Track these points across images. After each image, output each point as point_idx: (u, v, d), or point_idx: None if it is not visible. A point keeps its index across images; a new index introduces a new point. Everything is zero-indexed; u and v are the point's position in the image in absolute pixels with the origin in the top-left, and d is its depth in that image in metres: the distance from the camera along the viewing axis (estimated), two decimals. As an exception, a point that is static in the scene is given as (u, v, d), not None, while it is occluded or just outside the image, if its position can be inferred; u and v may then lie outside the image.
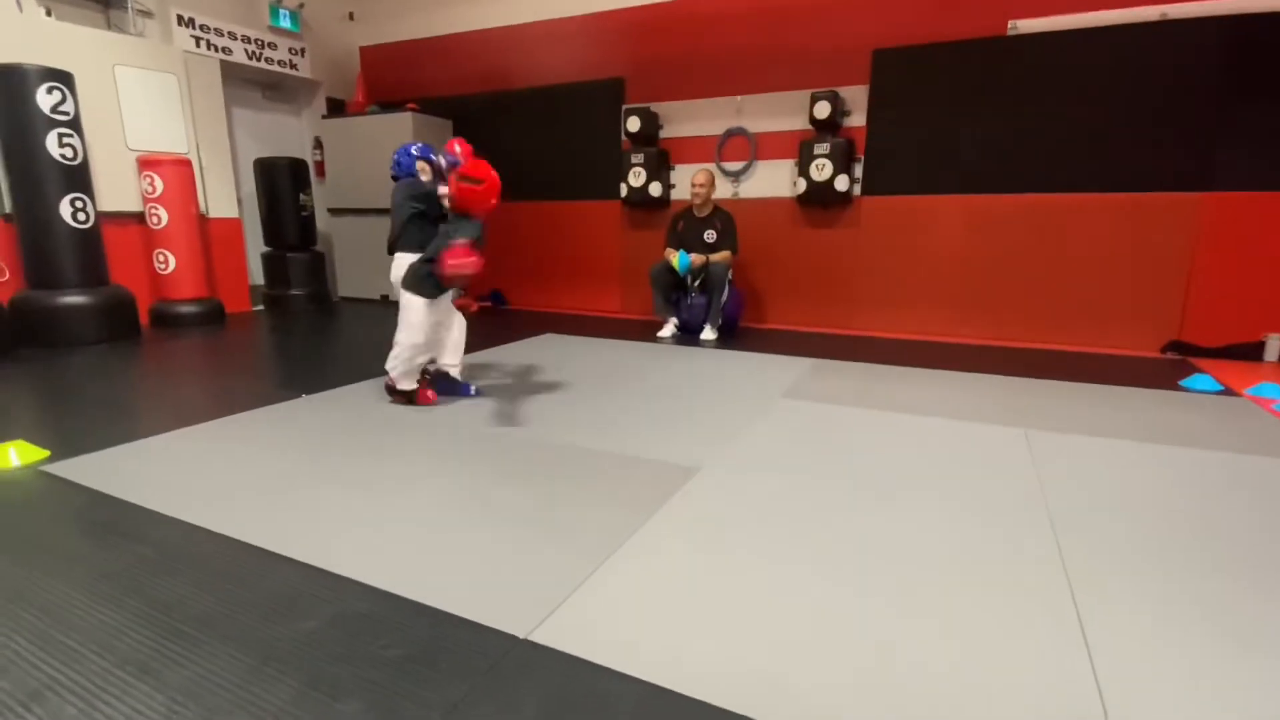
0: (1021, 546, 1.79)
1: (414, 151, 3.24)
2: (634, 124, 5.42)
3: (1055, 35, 4.39)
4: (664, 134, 5.63)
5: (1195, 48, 4.14)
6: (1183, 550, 1.77)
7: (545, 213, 6.24)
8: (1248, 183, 4.19)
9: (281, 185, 6.04)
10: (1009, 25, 4.51)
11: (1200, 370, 3.85)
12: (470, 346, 4.32)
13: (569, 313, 6.07)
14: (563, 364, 3.88)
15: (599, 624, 1.46)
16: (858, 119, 5.00)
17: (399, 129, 6.04)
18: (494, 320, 5.60)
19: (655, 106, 5.58)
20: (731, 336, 4.88)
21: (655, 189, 5.55)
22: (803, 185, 5.05)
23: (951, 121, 4.74)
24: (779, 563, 1.71)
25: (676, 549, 1.77)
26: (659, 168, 5.56)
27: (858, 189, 5.04)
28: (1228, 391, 3.45)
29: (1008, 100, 4.58)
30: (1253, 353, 4.30)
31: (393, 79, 6.74)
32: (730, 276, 4.92)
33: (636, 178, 5.56)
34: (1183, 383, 3.59)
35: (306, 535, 1.82)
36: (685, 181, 5.46)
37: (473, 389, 3.22)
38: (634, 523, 1.89)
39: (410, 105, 6.14)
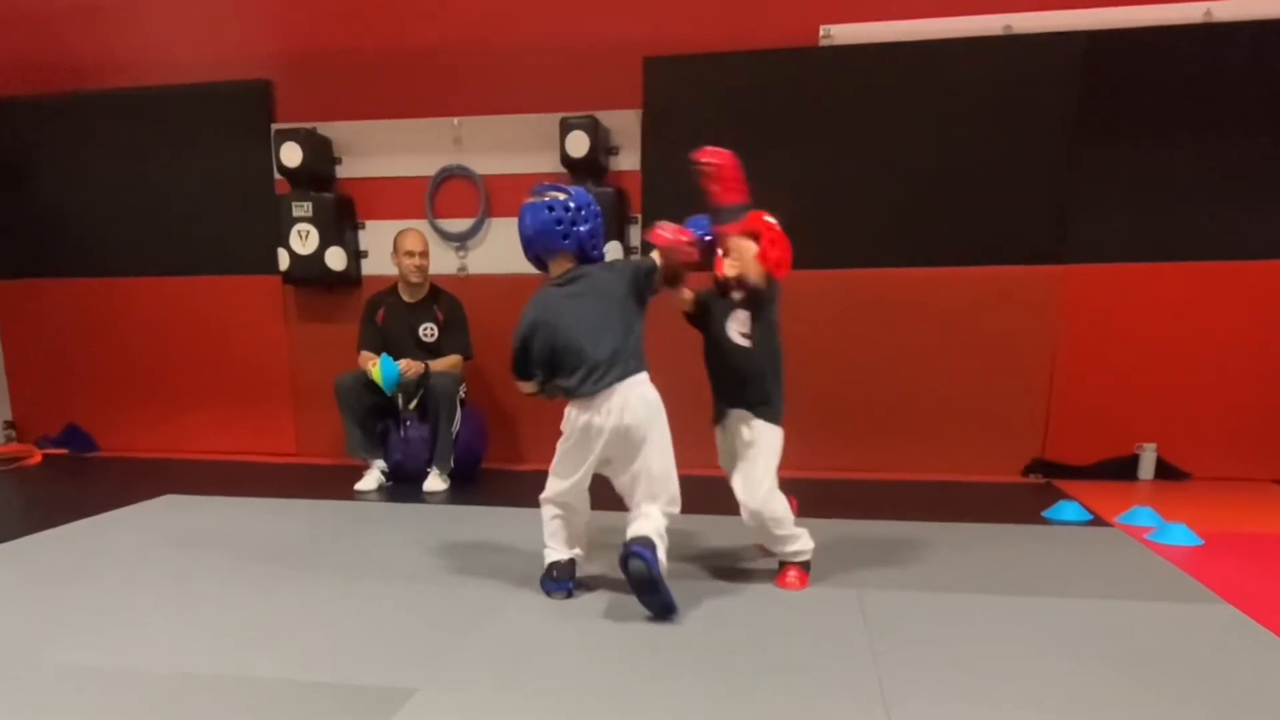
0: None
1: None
2: (292, 155, 5.15)
3: (877, 49, 4.78)
4: (343, 172, 5.48)
5: (1048, 70, 4.62)
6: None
7: (153, 296, 5.82)
8: (1110, 250, 4.73)
9: None
10: (821, 32, 4.86)
11: (1066, 496, 4.33)
12: (30, 524, 4.07)
13: (205, 459, 5.75)
14: (194, 545, 3.70)
15: None
16: (630, 158, 5.14)
17: None
18: (72, 477, 5.32)
19: (327, 128, 5.37)
20: (470, 484, 4.85)
21: (335, 258, 5.30)
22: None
23: (753, 165, 4.92)
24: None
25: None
26: (339, 225, 5.33)
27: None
28: (1096, 521, 3.96)
29: (819, 137, 4.89)
30: (1126, 469, 4.85)
31: None
32: (464, 393, 4.85)
33: (303, 240, 5.28)
34: (1046, 514, 4.07)
35: None
36: (383, 247, 5.17)
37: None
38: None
39: None
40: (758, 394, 2.98)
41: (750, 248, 2.83)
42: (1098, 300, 4.77)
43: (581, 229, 2.77)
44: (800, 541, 3.00)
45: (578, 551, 2.97)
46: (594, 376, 2.75)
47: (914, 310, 4.90)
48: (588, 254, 2.81)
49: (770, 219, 2.94)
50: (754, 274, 2.83)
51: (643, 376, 2.83)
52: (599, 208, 2.83)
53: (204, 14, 5.51)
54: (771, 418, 2.99)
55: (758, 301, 2.93)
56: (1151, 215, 4.67)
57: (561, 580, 2.93)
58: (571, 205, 2.78)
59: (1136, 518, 3.85)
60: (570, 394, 2.81)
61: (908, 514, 4.05)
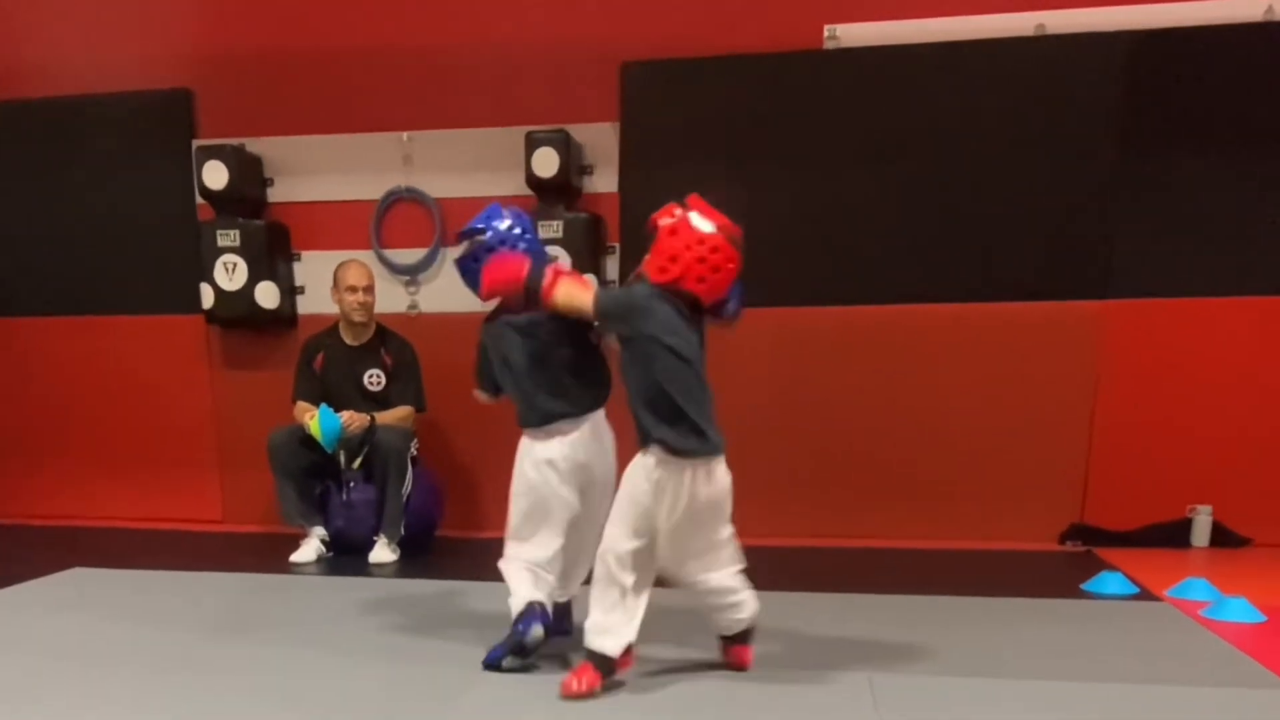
0: None
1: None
2: (217, 175, 5.10)
3: (890, 53, 4.75)
4: (275, 195, 5.43)
5: (1087, 76, 4.59)
6: None
7: (55, 338, 5.75)
8: (1158, 283, 4.66)
9: None
10: (826, 33, 4.82)
11: (1109, 566, 4.31)
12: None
13: (118, 526, 5.67)
14: (106, 625, 3.68)
15: None
16: (606, 178, 5.11)
17: None
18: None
19: (256, 145, 5.33)
20: (423, 554, 4.82)
21: (266, 295, 5.25)
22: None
23: (747, 185, 4.63)
24: None
25: None
26: (270, 256, 5.28)
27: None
28: (1144, 594, 3.94)
29: (823, 153, 4.84)
30: (1177, 535, 4.82)
31: None
32: (415, 450, 4.84)
33: (229, 274, 5.21)
34: (1085, 586, 4.06)
35: None
36: (322, 281, 5.17)
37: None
38: None
39: None
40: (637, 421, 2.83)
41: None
42: (1144, 340, 4.71)
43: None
44: (744, 609, 2.86)
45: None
46: (544, 411, 2.86)
47: (933, 353, 4.87)
48: None
49: (685, 212, 2.66)
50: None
51: (601, 414, 2.98)
52: (518, 214, 3.02)
53: (113, 12, 5.44)
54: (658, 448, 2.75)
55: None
56: (1206, 242, 4.62)
57: (544, 615, 2.86)
58: (491, 244, 2.94)
59: (1189, 591, 3.83)
60: (529, 425, 2.91)
61: (927, 587, 4.03)
